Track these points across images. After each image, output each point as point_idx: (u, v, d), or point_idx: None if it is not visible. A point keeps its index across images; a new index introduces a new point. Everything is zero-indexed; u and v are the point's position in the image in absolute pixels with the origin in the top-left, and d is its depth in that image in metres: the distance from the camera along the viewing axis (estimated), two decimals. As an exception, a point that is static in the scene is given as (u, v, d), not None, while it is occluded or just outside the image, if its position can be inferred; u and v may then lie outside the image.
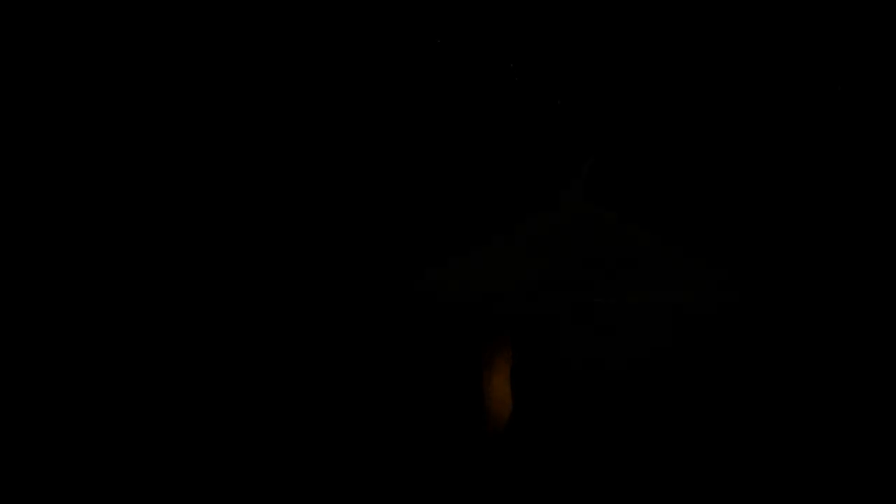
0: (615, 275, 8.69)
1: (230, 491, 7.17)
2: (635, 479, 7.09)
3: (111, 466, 7.95)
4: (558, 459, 7.67)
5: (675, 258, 9.74)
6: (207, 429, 9.06)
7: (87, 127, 7.41)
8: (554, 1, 8.15)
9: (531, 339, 8.22)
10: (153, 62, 7.37)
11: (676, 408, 8.18)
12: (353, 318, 10.37)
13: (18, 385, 8.67)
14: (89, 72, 7.20)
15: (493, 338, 9.88)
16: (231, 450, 8.80)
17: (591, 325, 8.08)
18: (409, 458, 8.23)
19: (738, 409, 8.36)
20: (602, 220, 10.52)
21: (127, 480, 7.58)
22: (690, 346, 8.42)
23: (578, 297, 8.11)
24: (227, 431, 9.17)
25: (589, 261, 8.97)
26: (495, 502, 6.92)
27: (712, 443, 7.88)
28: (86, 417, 8.46)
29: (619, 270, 8.80)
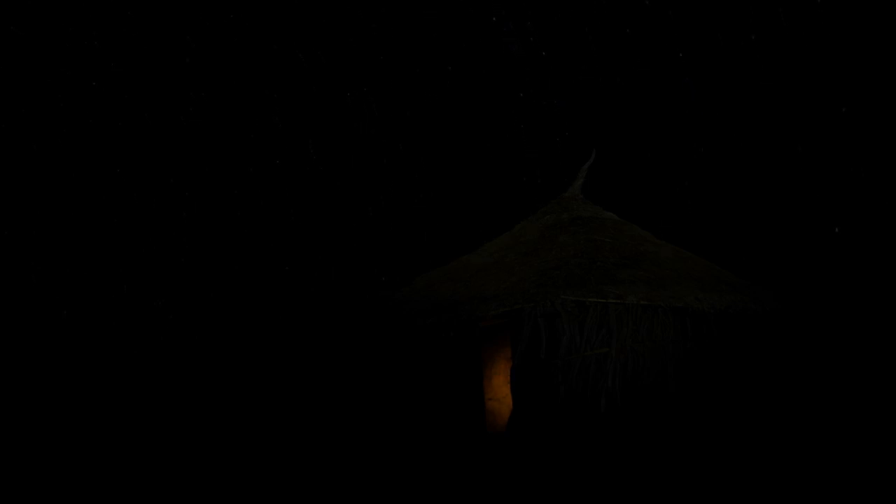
0: (615, 275, 8.66)
1: (237, 489, 7.15)
2: (634, 477, 7.06)
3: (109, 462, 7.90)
4: (558, 458, 7.64)
5: (674, 259, 9.69)
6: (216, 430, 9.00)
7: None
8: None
9: (531, 339, 8.19)
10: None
11: (676, 406, 8.15)
12: (354, 318, 10.26)
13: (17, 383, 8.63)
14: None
15: (492, 338, 9.83)
16: (234, 449, 8.74)
17: (591, 325, 8.04)
18: (410, 456, 8.21)
19: (738, 410, 8.31)
20: (602, 220, 10.48)
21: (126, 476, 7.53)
22: (690, 345, 8.39)
23: (578, 296, 8.08)
24: (232, 431, 9.11)
25: (588, 261, 8.94)
26: (495, 502, 6.90)
27: (712, 443, 7.85)
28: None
29: (619, 270, 8.78)
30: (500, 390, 10.84)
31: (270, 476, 8.00)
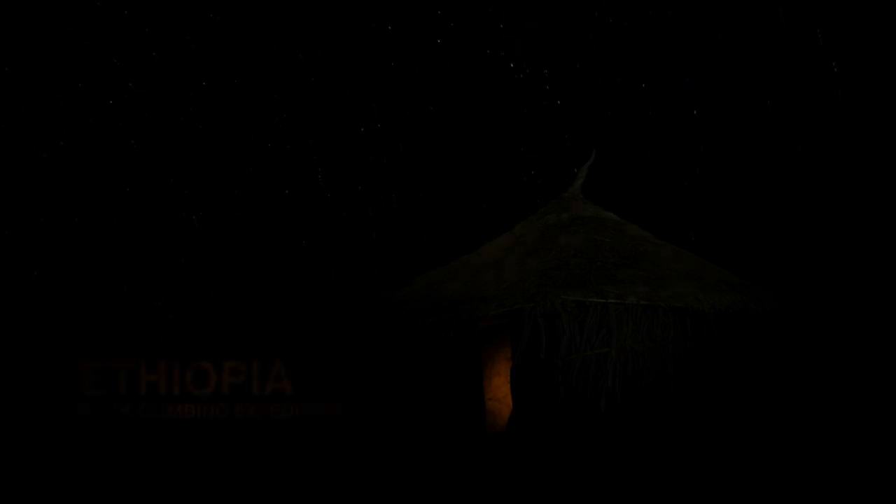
0: (615, 275, 8.66)
1: (235, 485, 7.14)
2: (634, 477, 7.06)
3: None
4: (558, 458, 7.64)
5: (674, 259, 9.69)
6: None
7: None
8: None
9: (531, 339, 8.18)
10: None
11: (676, 407, 8.15)
12: (354, 318, 10.24)
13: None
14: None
15: (492, 338, 9.84)
16: (232, 449, 8.73)
17: (591, 325, 8.03)
18: (410, 456, 8.20)
19: (738, 410, 8.31)
20: (602, 220, 10.49)
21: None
22: (690, 345, 8.39)
23: (578, 296, 8.08)
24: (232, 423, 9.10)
25: (588, 261, 8.94)
26: (495, 502, 6.90)
27: (712, 443, 7.84)
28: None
29: (619, 270, 8.77)
30: (500, 390, 10.84)
31: (272, 475, 8.00)
